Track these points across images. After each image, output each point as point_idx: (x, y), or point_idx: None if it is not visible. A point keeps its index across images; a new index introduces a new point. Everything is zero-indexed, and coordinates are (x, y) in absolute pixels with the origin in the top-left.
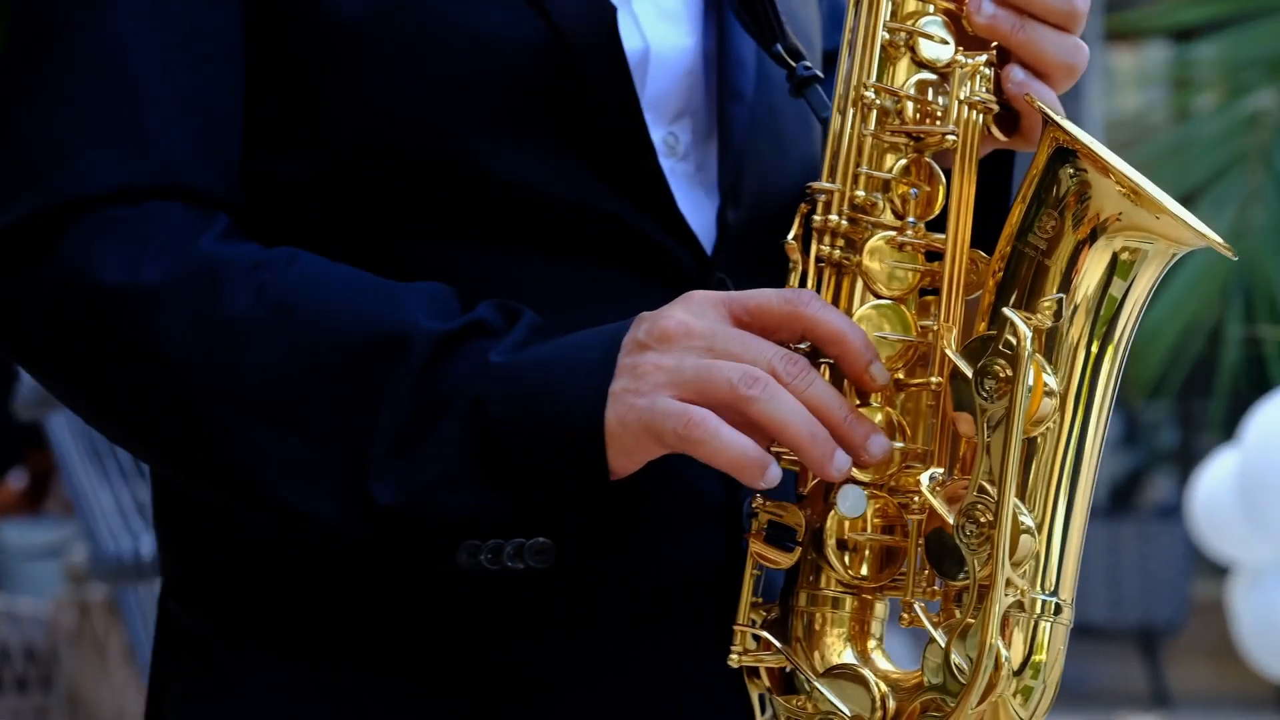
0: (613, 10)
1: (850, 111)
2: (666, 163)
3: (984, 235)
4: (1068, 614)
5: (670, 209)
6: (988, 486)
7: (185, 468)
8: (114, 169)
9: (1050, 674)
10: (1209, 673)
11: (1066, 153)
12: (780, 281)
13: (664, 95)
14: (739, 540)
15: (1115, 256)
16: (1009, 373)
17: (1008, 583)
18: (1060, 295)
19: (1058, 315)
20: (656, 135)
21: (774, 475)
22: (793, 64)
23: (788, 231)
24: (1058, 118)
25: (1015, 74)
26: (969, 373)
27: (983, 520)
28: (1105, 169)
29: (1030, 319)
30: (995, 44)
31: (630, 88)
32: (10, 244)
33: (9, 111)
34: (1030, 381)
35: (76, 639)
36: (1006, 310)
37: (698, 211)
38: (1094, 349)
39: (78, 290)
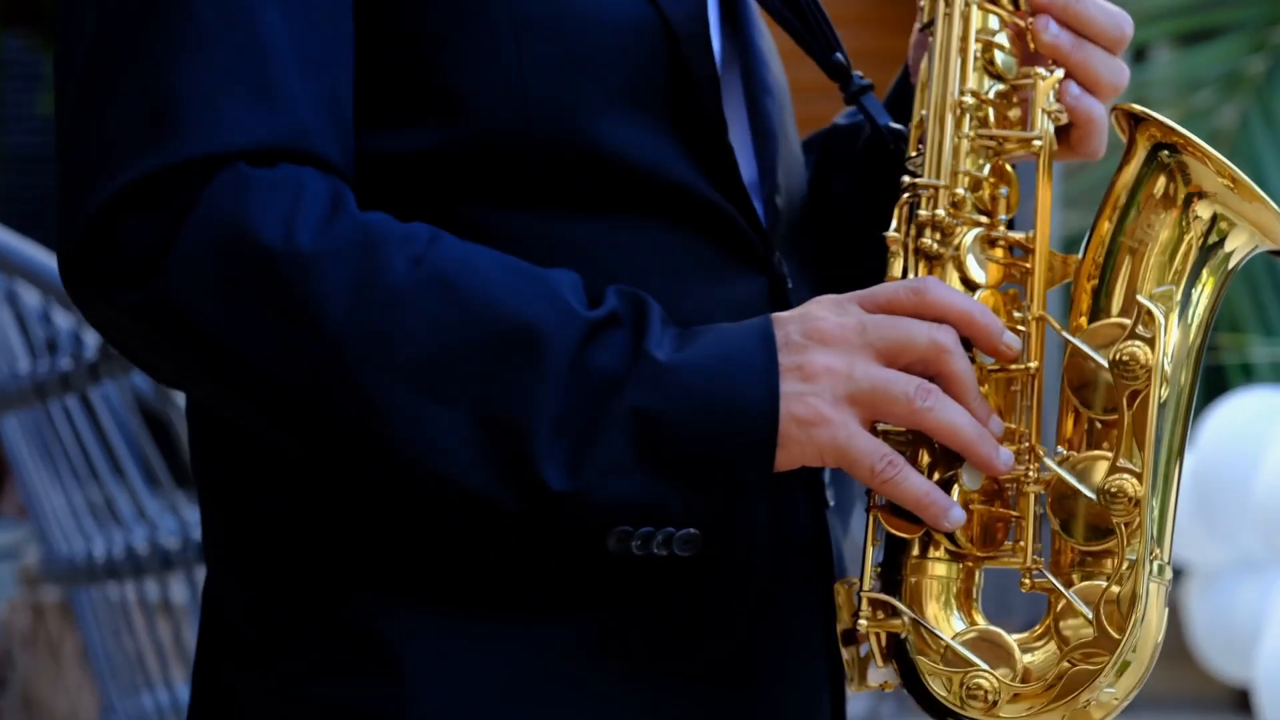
0: (705, 2)
1: (949, 116)
2: None
3: (879, 223)
4: (1169, 573)
5: (742, 192)
6: (1129, 464)
7: (326, 438)
8: (252, 127)
9: (1162, 628)
10: (1164, 675)
11: (1164, 146)
12: (807, 268)
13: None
14: (822, 506)
15: (1214, 231)
16: (1145, 355)
17: (1149, 555)
18: (1171, 286)
19: (1171, 304)
20: None
21: (957, 518)
22: (850, 73)
23: (802, 219)
24: (1155, 114)
25: (1073, 89)
26: (1100, 358)
27: (1121, 493)
28: (1205, 157)
29: (1154, 303)
30: (1054, 63)
31: (715, 72)
32: (153, 191)
33: (139, 62)
34: (1166, 364)
35: (30, 641)
36: (1141, 299)
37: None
38: (1195, 324)
39: (237, 245)
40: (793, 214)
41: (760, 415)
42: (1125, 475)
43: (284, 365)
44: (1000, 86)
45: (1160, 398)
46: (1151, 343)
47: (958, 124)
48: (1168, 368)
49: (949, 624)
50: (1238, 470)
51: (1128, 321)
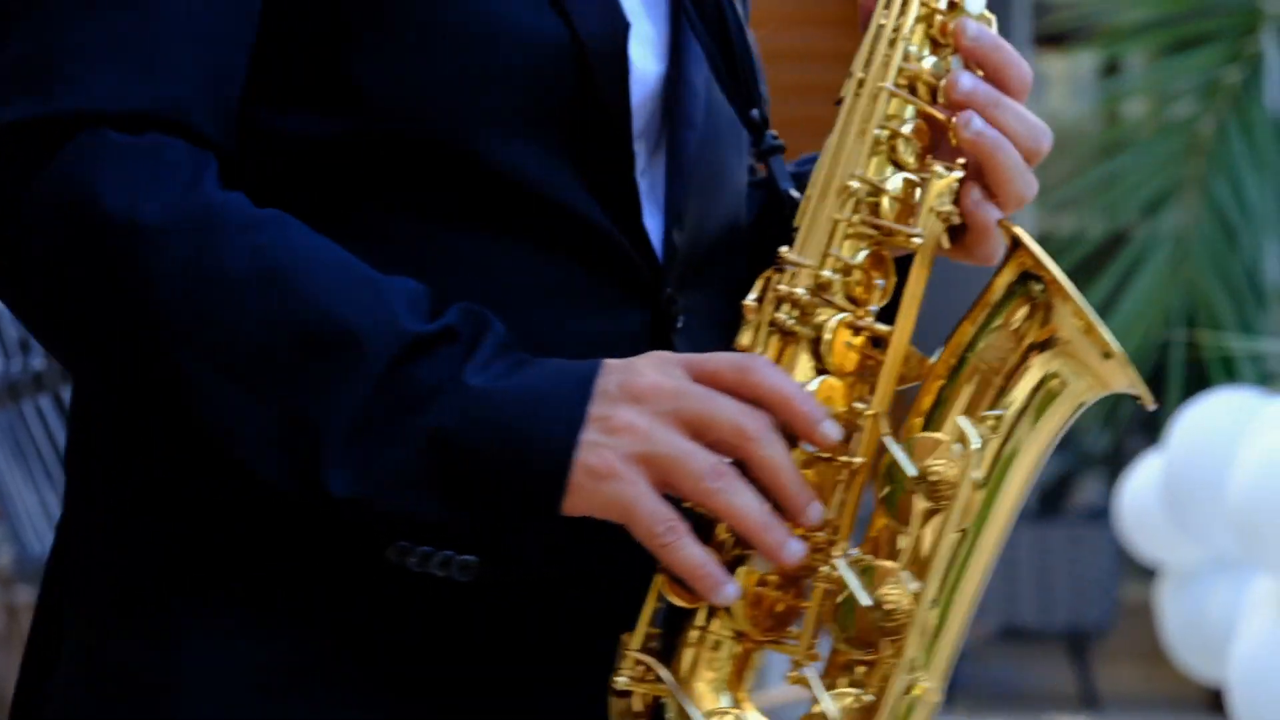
0: (627, 26)
1: (833, 197)
2: (642, 159)
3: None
4: (936, 694)
5: (637, 222)
6: (907, 576)
7: (150, 405)
8: (124, 91)
9: None
10: (1138, 675)
11: (1030, 277)
12: (717, 302)
13: (635, 115)
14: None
15: (1049, 379)
16: (949, 477)
17: (910, 681)
18: (1002, 412)
19: (995, 429)
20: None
21: (730, 594)
22: (764, 132)
23: (719, 255)
24: (1029, 242)
25: (973, 193)
26: (910, 470)
27: (894, 609)
28: (1065, 297)
29: (977, 428)
30: (963, 161)
31: (628, 102)
32: (14, 139)
33: (29, 15)
34: (969, 489)
35: (4, 641)
36: (959, 419)
37: (650, 228)
38: (1015, 458)
39: (79, 208)
40: (709, 248)
41: (553, 458)
42: (902, 591)
43: (108, 333)
44: (903, 176)
45: (958, 523)
46: (962, 467)
47: (841, 206)
48: (972, 494)
49: (714, 699)
50: (1211, 470)
51: (946, 439)
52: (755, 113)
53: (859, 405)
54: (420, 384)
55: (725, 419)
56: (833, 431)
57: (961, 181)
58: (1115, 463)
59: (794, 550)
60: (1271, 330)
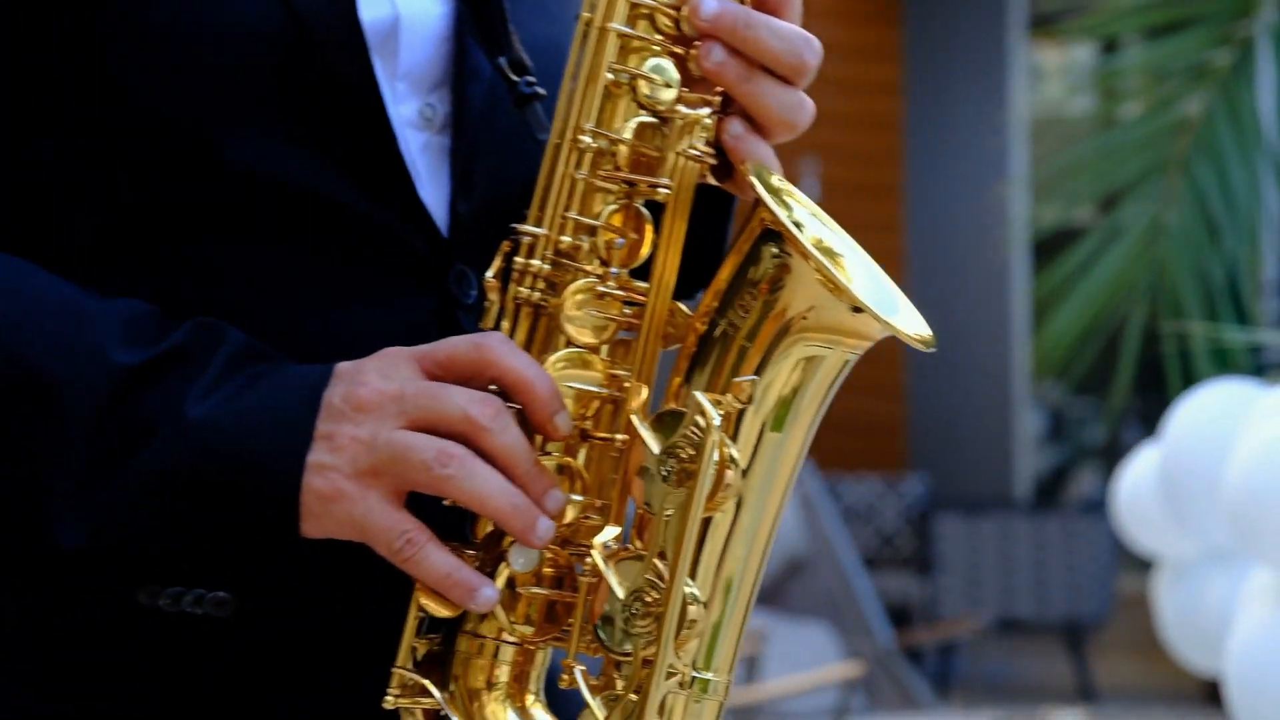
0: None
1: (565, 153)
2: (422, 136)
3: (694, 278)
4: (722, 689)
5: (409, 195)
6: (659, 565)
7: None
8: None
9: None
10: (1134, 667)
11: (772, 234)
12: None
13: (420, 64)
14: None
15: (803, 349)
16: (692, 456)
17: (670, 667)
18: (754, 378)
19: (749, 399)
20: (411, 107)
21: (487, 598)
22: (514, 79)
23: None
24: (769, 199)
25: (734, 128)
26: (655, 448)
27: (650, 602)
28: (805, 255)
29: (720, 402)
30: (719, 92)
31: (368, 66)
32: None
33: None
34: (714, 467)
35: None
36: (697, 394)
37: (445, 190)
38: (777, 433)
39: None
40: (510, 214)
41: (281, 486)
42: (650, 582)
43: None
44: (646, 119)
45: (708, 504)
46: (701, 445)
47: (578, 163)
48: (725, 473)
49: (500, 706)
50: (1206, 462)
51: (685, 414)
52: (504, 60)
53: (621, 373)
54: (137, 422)
55: (453, 411)
56: (565, 423)
57: (724, 110)
58: (1111, 455)
59: (544, 530)
60: (1258, 321)
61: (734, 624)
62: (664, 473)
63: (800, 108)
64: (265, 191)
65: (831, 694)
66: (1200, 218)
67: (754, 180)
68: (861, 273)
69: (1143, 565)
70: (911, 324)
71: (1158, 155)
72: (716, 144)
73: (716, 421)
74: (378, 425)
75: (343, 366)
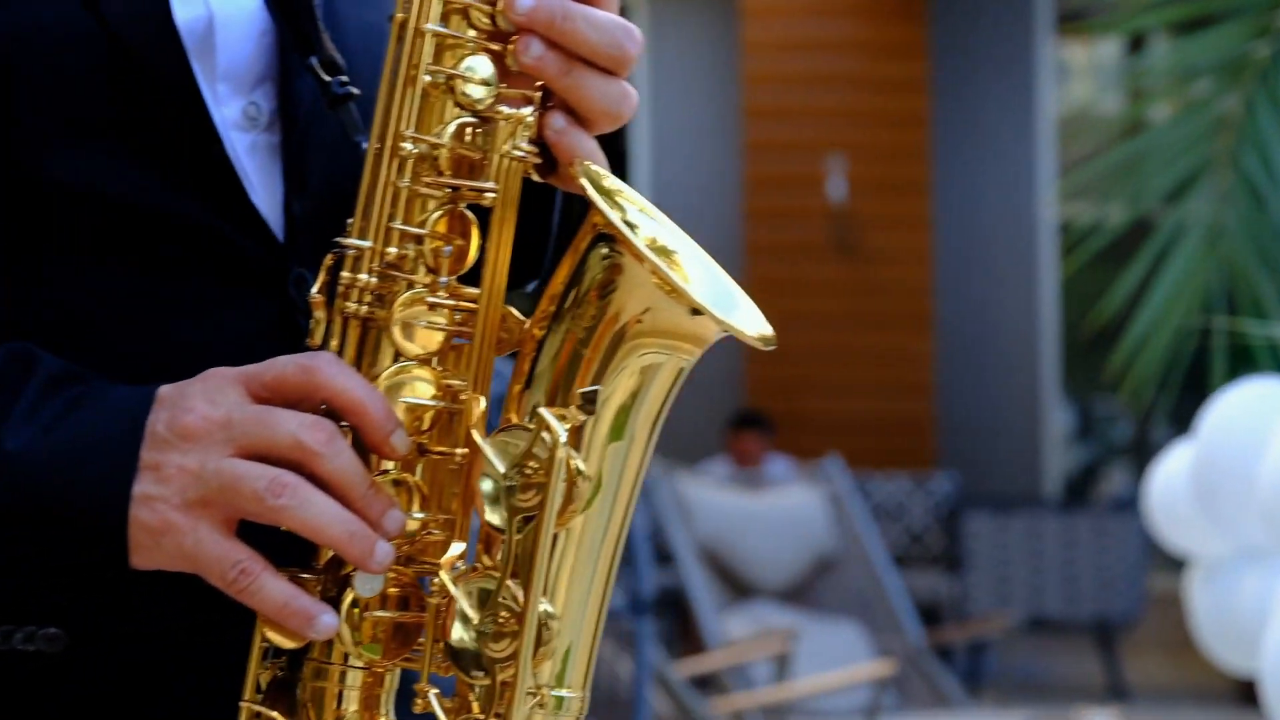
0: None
1: (386, 160)
2: (248, 137)
3: (522, 270)
4: (577, 705)
5: (240, 200)
6: (512, 586)
7: None
8: None
9: None
10: (1166, 666)
11: (605, 237)
12: None
13: (240, 62)
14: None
15: (641, 351)
16: (539, 472)
17: (530, 688)
18: (597, 387)
19: (590, 410)
20: (236, 107)
21: (326, 626)
22: (327, 79)
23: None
24: (600, 200)
25: (556, 122)
26: (500, 466)
27: (504, 620)
28: (640, 257)
29: (565, 416)
30: (540, 85)
31: (186, 68)
32: None
33: None
34: (563, 483)
35: None
36: (542, 411)
37: (277, 190)
38: (618, 442)
39: None
40: (340, 209)
41: (106, 520)
42: (504, 604)
43: None
44: (468, 119)
45: (551, 521)
46: (549, 462)
47: (399, 172)
48: (572, 487)
49: None
50: (1241, 460)
51: (530, 430)
52: (314, 60)
53: (456, 384)
54: None
55: (283, 437)
56: (401, 443)
57: (544, 109)
58: (1141, 453)
59: (382, 555)
60: None
61: (587, 637)
62: (510, 490)
63: (624, 98)
64: (92, 205)
65: (863, 692)
66: (1256, 212)
67: (584, 183)
68: (699, 272)
69: (1174, 564)
70: (751, 323)
71: (1200, 154)
72: (539, 139)
73: (563, 437)
74: (205, 454)
75: (165, 391)
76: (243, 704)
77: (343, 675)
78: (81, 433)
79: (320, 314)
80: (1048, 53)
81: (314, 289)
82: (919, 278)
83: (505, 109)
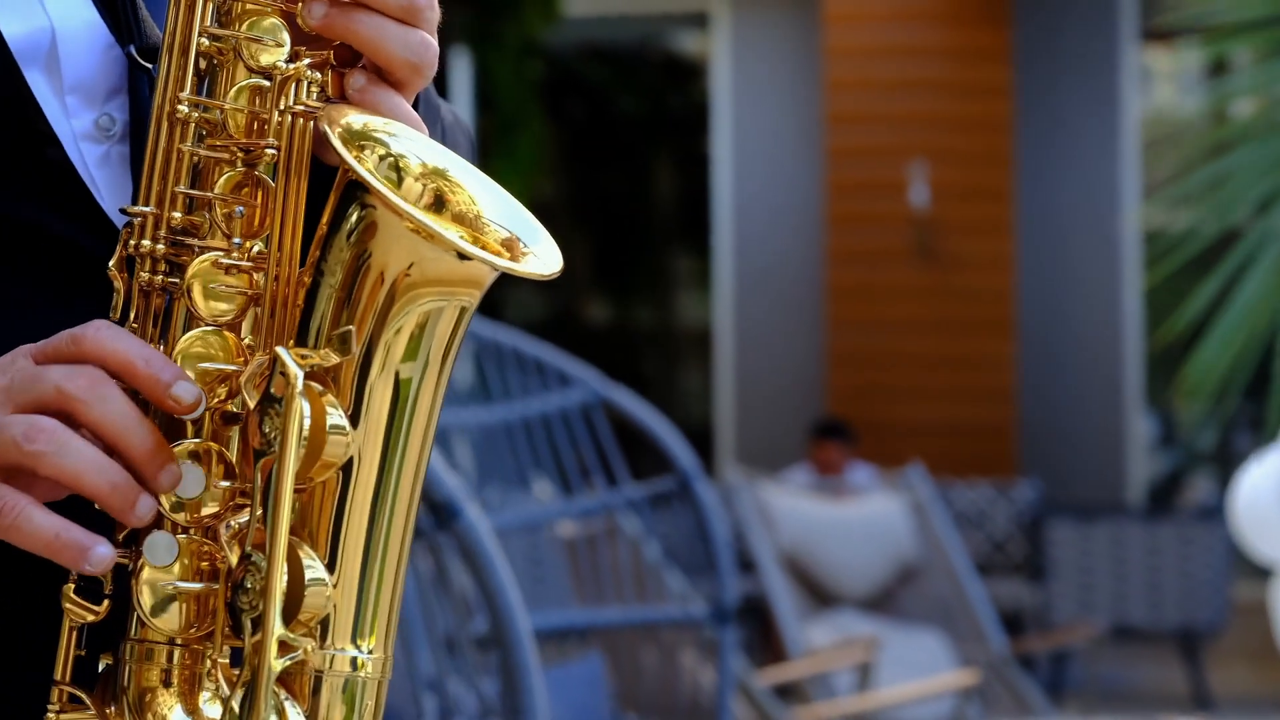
0: None
1: (164, 126)
2: (100, 149)
3: None
4: (375, 666)
5: (83, 203)
6: (261, 541)
7: None
8: None
9: None
10: (1250, 675)
11: (357, 187)
12: None
13: (88, 75)
14: (61, 581)
15: (416, 301)
16: (279, 413)
17: (286, 644)
18: (351, 328)
19: (346, 349)
20: (87, 118)
21: (99, 556)
22: (148, 66)
23: None
24: (342, 148)
25: (355, 80)
26: (252, 413)
27: (252, 578)
28: (397, 210)
29: (309, 356)
30: (336, 44)
31: (20, 81)
32: None
33: None
34: (305, 425)
35: None
36: (279, 349)
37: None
38: (392, 384)
39: None
40: None
41: None
42: (252, 563)
43: None
44: (260, 82)
45: (291, 460)
46: (285, 402)
47: (181, 135)
48: (332, 425)
49: (169, 714)
50: None
51: (263, 373)
52: (132, 48)
53: (256, 347)
54: None
55: (46, 387)
56: (187, 392)
57: (349, 65)
58: (1224, 460)
59: (144, 509)
60: None
61: (382, 593)
62: (260, 436)
63: (424, 46)
64: None
65: (946, 702)
66: None
67: (325, 127)
68: (486, 197)
69: (1259, 572)
70: (540, 253)
71: None
72: (342, 102)
73: (299, 374)
74: None
75: None
76: (56, 684)
77: (156, 653)
78: None
79: (119, 284)
80: (1132, 58)
81: (111, 262)
82: (1001, 283)
83: (283, 64)
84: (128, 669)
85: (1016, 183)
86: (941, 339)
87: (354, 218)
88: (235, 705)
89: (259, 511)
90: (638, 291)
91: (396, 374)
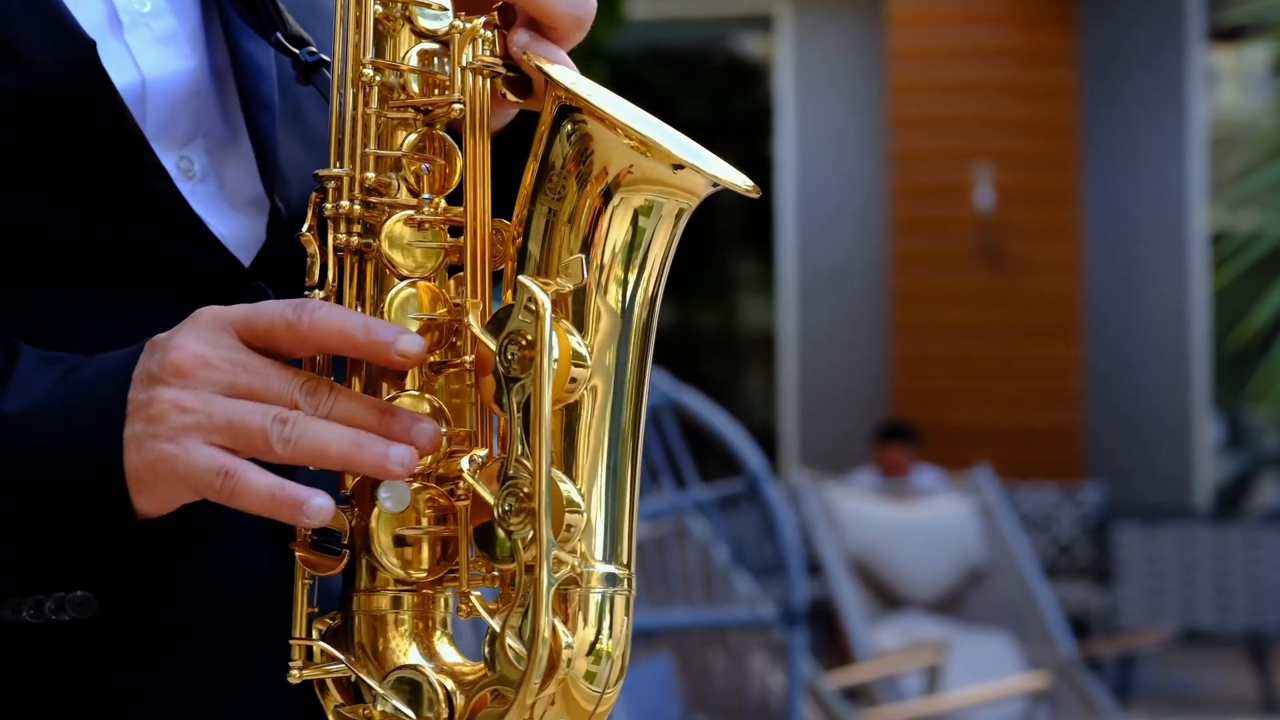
0: (91, 45)
1: (350, 91)
2: (184, 187)
3: (513, 203)
4: (626, 581)
5: (191, 223)
6: (524, 463)
7: None
8: None
9: (618, 645)
10: None
11: (569, 110)
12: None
13: (169, 122)
14: (288, 554)
15: (634, 212)
16: (530, 340)
17: (557, 559)
18: (580, 256)
19: (579, 276)
20: (169, 162)
21: (318, 509)
22: (295, 51)
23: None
24: (554, 72)
25: (519, 37)
26: (493, 345)
27: (521, 497)
28: (612, 124)
29: (549, 284)
30: (498, 5)
31: (123, 117)
32: None
33: None
34: (555, 348)
35: None
36: (523, 278)
37: (230, 227)
38: (622, 306)
39: None
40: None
41: (102, 466)
42: (516, 478)
43: None
44: (428, 46)
45: (547, 384)
46: (535, 328)
47: (365, 99)
48: (575, 350)
49: (404, 646)
50: None
51: (514, 305)
52: (278, 35)
53: (458, 302)
54: None
55: (282, 396)
56: (410, 345)
57: (508, 27)
58: None
59: (399, 456)
60: None
61: (621, 515)
62: (505, 366)
63: (584, 3)
64: (34, 242)
65: (1014, 705)
66: None
67: (537, 62)
68: (668, 137)
69: None
70: (736, 176)
71: None
72: (508, 61)
73: (546, 300)
74: (204, 394)
75: (156, 337)
76: (292, 641)
77: (394, 601)
78: (75, 390)
79: (313, 250)
80: (1199, 59)
81: (304, 228)
82: (1067, 287)
83: (459, 23)
84: (358, 620)
85: (1082, 185)
86: (1007, 343)
87: (569, 140)
88: (514, 625)
89: (518, 435)
90: (701, 295)
91: (622, 292)
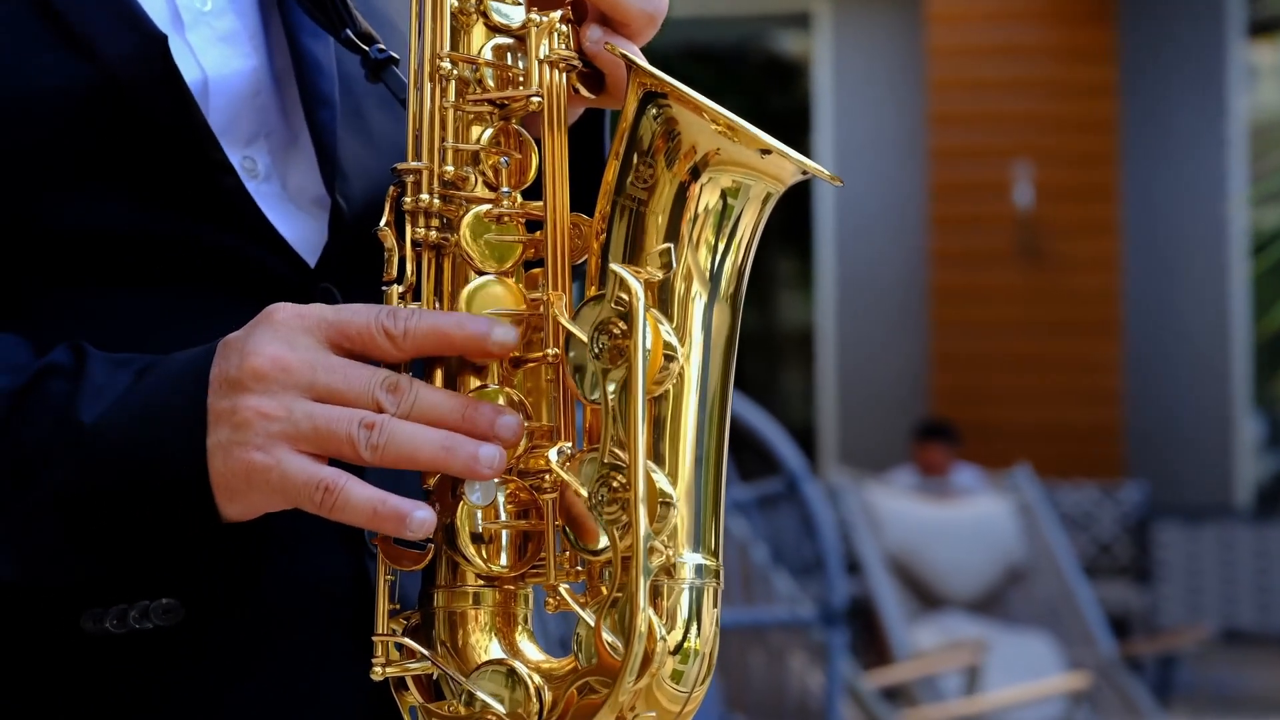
0: (162, 40)
1: (428, 85)
2: (249, 187)
3: (586, 198)
4: (716, 573)
5: (259, 223)
6: (618, 453)
7: None
8: None
9: (706, 643)
10: None
11: (655, 96)
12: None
13: (232, 121)
14: (364, 553)
15: (721, 194)
16: (624, 329)
17: (651, 549)
18: (669, 245)
19: (668, 266)
20: (234, 161)
21: (420, 521)
22: (365, 48)
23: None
24: (641, 61)
25: (593, 32)
26: (584, 337)
27: (616, 487)
28: (698, 108)
29: (640, 273)
30: (570, 1)
31: (192, 112)
32: None
33: None
34: (648, 338)
35: None
36: (615, 266)
37: (294, 227)
38: (708, 296)
39: None
40: (373, 223)
41: (185, 476)
42: (610, 468)
43: None
44: (502, 41)
45: (641, 373)
46: (629, 317)
47: (443, 93)
48: (665, 340)
49: (486, 642)
50: None
51: (605, 294)
52: (348, 32)
53: (537, 296)
54: (27, 445)
55: (361, 396)
56: (505, 335)
57: (580, 22)
58: None
59: (488, 457)
60: None
61: (711, 502)
62: (597, 356)
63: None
64: (102, 241)
65: (1054, 704)
66: None
67: (621, 51)
68: (751, 126)
69: None
70: (819, 165)
71: None
72: (581, 55)
73: (639, 287)
74: (287, 398)
75: (229, 338)
76: (375, 638)
77: (476, 597)
78: (150, 396)
79: (391, 245)
80: (1239, 57)
81: (382, 222)
82: (1107, 284)
83: (535, 16)
84: (439, 616)
85: (1122, 182)
86: (1046, 340)
87: (655, 122)
88: (613, 615)
89: (611, 425)
90: None
91: (709, 277)
